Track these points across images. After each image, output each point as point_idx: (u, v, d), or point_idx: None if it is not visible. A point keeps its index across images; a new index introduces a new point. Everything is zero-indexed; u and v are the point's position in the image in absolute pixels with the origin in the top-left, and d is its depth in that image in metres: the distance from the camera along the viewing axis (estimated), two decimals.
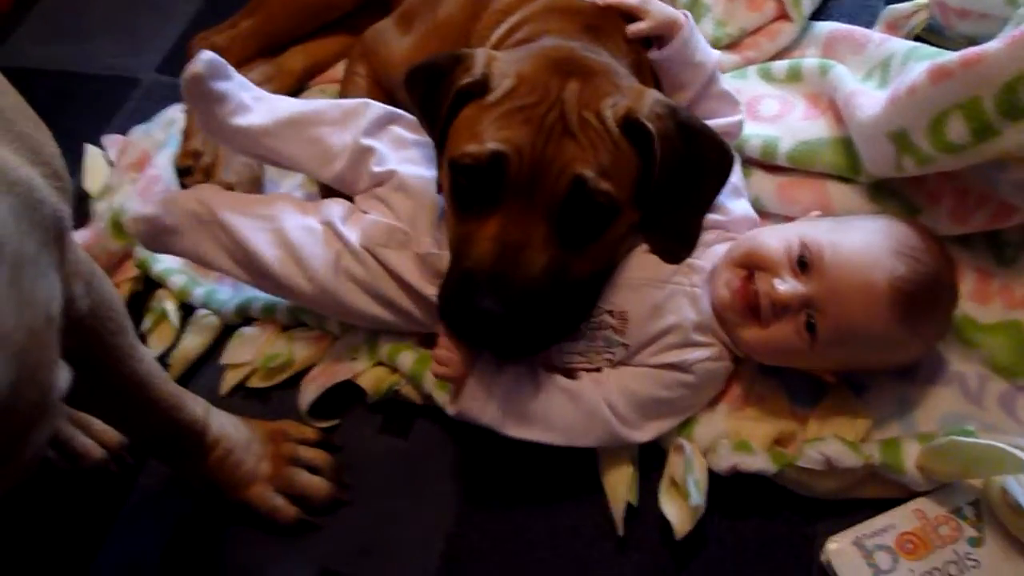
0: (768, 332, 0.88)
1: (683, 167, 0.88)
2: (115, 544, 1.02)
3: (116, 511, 1.04)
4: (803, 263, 0.87)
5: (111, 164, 1.37)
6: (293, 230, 0.99)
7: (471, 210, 0.87)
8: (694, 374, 0.91)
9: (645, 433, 0.92)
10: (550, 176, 0.83)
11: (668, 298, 0.91)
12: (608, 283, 0.92)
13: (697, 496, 0.87)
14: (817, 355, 0.88)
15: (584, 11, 1.00)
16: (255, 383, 1.11)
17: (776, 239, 0.90)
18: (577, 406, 0.90)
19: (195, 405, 0.95)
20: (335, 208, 1.02)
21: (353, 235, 0.99)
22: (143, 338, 1.17)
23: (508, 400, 0.90)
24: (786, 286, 0.86)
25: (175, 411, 0.91)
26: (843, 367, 0.91)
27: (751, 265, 0.90)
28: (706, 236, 0.95)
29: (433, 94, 0.92)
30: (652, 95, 0.89)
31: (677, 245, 0.93)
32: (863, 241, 0.88)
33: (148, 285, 1.23)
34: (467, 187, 0.87)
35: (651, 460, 0.95)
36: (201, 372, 1.15)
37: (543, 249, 0.84)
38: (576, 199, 0.83)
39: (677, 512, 0.89)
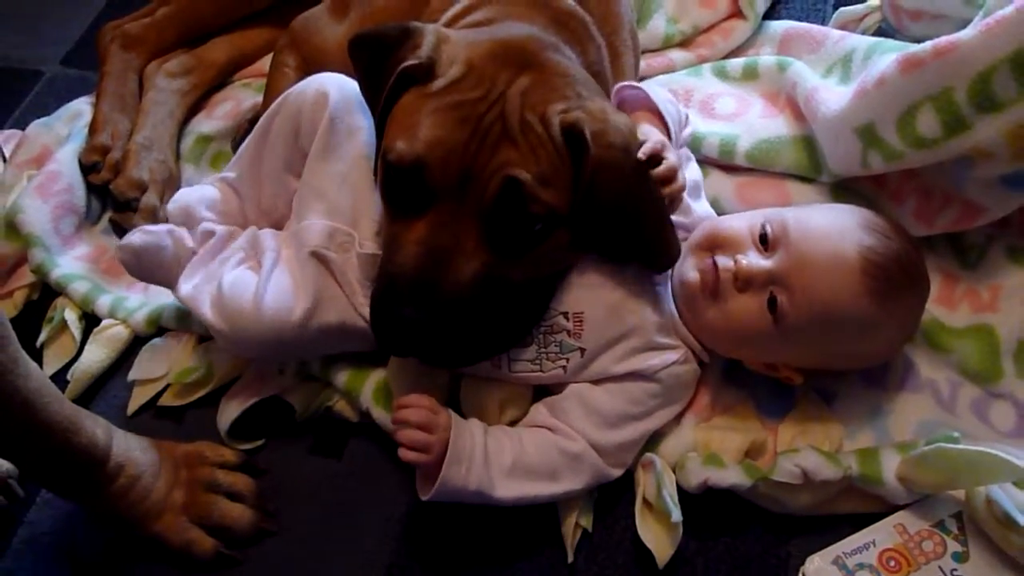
0: (728, 307, 0.82)
1: (628, 205, 0.79)
2: None
3: (1, 551, 0.91)
4: (765, 240, 0.83)
5: (5, 161, 1.23)
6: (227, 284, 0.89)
7: (402, 210, 0.79)
8: (661, 382, 0.84)
9: (627, 460, 0.85)
10: (482, 180, 0.75)
11: (628, 298, 0.84)
12: (561, 284, 0.85)
13: (677, 512, 0.80)
14: (783, 341, 0.82)
15: (552, 5, 0.91)
16: (168, 401, 0.99)
17: (738, 220, 0.87)
18: (561, 451, 0.82)
19: (95, 427, 0.84)
20: (269, 240, 0.93)
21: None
22: (39, 352, 1.06)
23: (492, 459, 0.81)
24: (748, 260, 0.82)
25: (70, 435, 0.80)
26: (811, 360, 0.86)
27: (714, 246, 0.85)
28: None
29: (377, 70, 0.84)
30: (621, 121, 0.80)
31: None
32: (830, 217, 0.85)
33: (46, 293, 1.11)
34: (397, 186, 0.79)
35: (612, 485, 0.87)
36: (106, 389, 1.03)
37: (473, 256, 0.77)
38: (508, 203, 0.76)
39: (655, 539, 0.81)
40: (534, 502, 0.83)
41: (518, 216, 0.76)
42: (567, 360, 0.84)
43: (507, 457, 0.81)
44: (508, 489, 0.81)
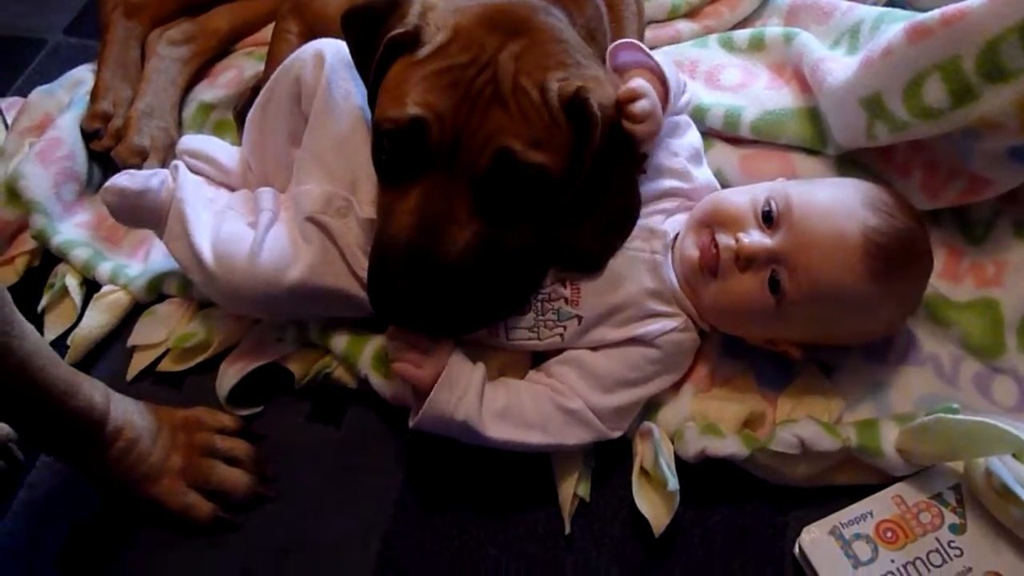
0: (728, 285, 0.82)
1: (603, 172, 0.80)
2: None
3: (1, 513, 0.92)
4: (769, 217, 0.82)
5: (7, 128, 1.23)
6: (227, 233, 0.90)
7: (394, 179, 0.79)
8: (660, 348, 0.84)
9: (623, 424, 0.85)
10: (473, 147, 0.75)
11: (626, 266, 0.84)
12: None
13: (673, 480, 0.80)
14: (783, 319, 0.82)
15: None
16: (167, 366, 0.99)
17: (741, 196, 0.86)
18: (558, 405, 0.83)
19: (92, 390, 0.84)
20: (266, 199, 0.93)
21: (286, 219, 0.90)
22: (40, 317, 1.05)
23: (486, 399, 0.82)
24: (750, 238, 0.81)
25: (67, 398, 0.80)
26: (811, 336, 0.85)
27: (715, 223, 0.84)
28: (668, 204, 0.89)
29: (367, 43, 0.83)
30: (611, 90, 0.80)
31: (584, 255, 0.85)
32: (834, 193, 0.84)
33: (47, 259, 1.11)
34: (390, 154, 0.79)
35: (611, 453, 0.88)
36: (106, 355, 1.03)
37: (466, 225, 0.76)
38: (502, 172, 0.75)
39: (651, 507, 0.81)
40: (525, 449, 0.83)
41: (511, 185, 0.76)
42: (564, 328, 0.84)
43: (500, 402, 0.82)
44: (497, 430, 0.81)
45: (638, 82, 0.81)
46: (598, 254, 0.84)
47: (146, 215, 0.93)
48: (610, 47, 0.90)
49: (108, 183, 0.92)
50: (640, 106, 0.80)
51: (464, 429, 0.81)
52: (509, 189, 0.77)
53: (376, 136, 0.80)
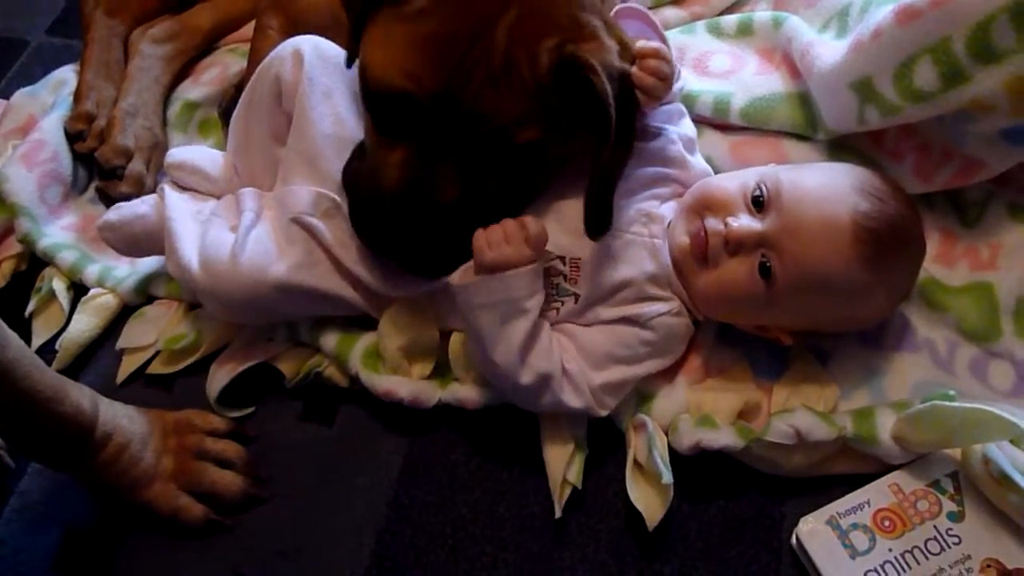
0: (719, 272, 0.82)
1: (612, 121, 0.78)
2: None
3: None
4: (759, 202, 0.81)
5: None
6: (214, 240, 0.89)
7: (383, 130, 0.80)
8: (653, 330, 0.83)
9: (610, 402, 0.85)
10: (464, 124, 0.75)
11: (625, 248, 0.84)
12: (561, 229, 0.84)
13: (667, 474, 0.79)
14: (774, 305, 0.81)
15: None
16: (157, 368, 0.98)
17: (731, 180, 0.85)
18: (560, 358, 0.82)
19: (80, 396, 0.83)
20: (248, 200, 0.92)
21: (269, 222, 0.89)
22: (27, 322, 1.04)
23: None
24: (739, 222, 0.81)
25: (54, 405, 0.79)
26: (802, 323, 0.85)
27: (705, 209, 0.84)
28: (661, 189, 0.88)
29: None
30: (614, 50, 0.78)
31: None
32: (825, 178, 0.83)
33: (34, 263, 1.10)
34: (379, 108, 0.80)
35: (605, 445, 0.88)
36: (95, 359, 1.02)
37: (453, 183, 0.78)
38: (493, 148, 0.76)
39: (646, 501, 0.81)
40: (535, 375, 0.80)
41: (500, 158, 0.77)
42: (561, 304, 0.84)
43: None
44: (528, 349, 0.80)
45: (658, 43, 0.81)
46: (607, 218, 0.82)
47: (144, 242, 0.94)
48: (615, 8, 0.88)
49: (99, 222, 0.94)
50: (656, 63, 0.79)
51: (516, 316, 0.78)
52: (497, 160, 0.78)
53: (364, 89, 0.80)
